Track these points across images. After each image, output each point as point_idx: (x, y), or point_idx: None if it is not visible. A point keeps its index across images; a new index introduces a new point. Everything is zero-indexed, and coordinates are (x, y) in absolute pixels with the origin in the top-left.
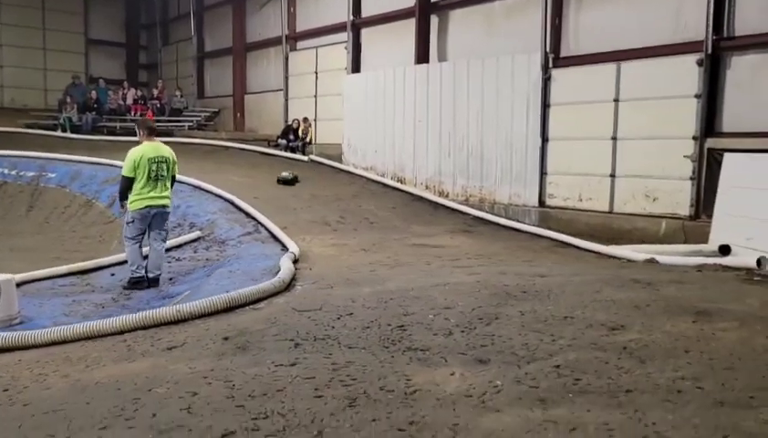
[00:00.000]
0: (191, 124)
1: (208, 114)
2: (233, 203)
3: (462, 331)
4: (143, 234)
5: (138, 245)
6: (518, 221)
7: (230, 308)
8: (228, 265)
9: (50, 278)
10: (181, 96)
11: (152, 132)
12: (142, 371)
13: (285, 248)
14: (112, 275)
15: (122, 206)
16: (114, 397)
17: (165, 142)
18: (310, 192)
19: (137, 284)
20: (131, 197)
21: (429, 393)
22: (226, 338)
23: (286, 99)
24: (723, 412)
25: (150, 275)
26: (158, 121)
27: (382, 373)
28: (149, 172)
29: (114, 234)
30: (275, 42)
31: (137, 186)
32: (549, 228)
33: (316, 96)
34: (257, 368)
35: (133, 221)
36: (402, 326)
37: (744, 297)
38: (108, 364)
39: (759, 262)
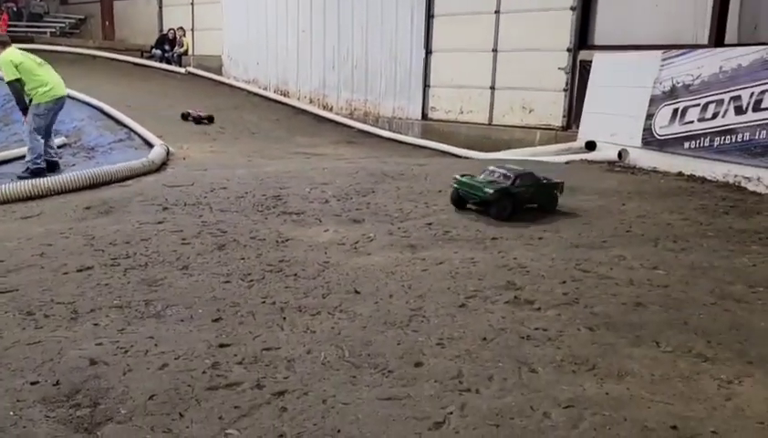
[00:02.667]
0: (53, 31)
1: (73, 21)
2: (101, 111)
3: (339, 200)
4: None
5: (42, 137)
6: (401, 134)
7: (95, 185)
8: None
9: None
10: (41, 1)
11: (7, 45)
12: None
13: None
14: None
15: (25, 113)
16: None
17: (26, 49)
18: (188, 103)
19: (38, 174)
20: (40, 91)
21: (301, 243)
22: (88, 208)
23: (160, 7)
24: (578, 251)
25: (52, 159)
26: (15, 27)
27: (254, 228)
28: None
29: None
30: None
31: (38, 80)
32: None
33: (192, 3)
34: (120, 225)
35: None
36: (278, 197)
37: (605, 180)
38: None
39: (620, 154)
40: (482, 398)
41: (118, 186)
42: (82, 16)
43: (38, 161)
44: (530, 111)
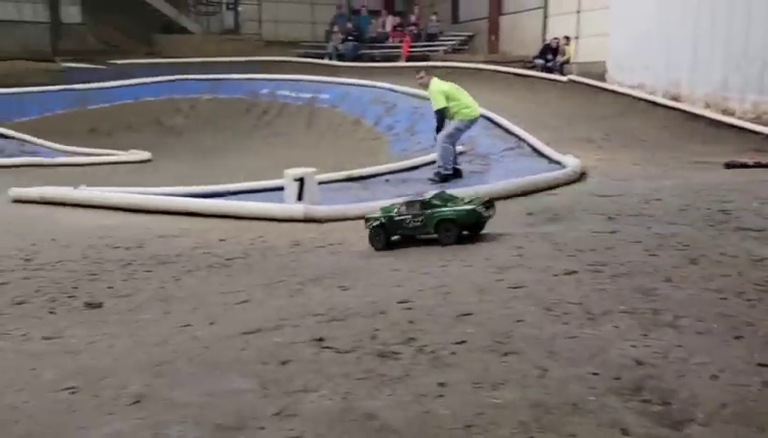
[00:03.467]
0: (446, 48)
1: (462, 38)
2: (491, 121)
3: None
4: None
5: (452, 147)
6: None
7: (524, 193)
8: (494, 173)
9: (334, 182)
10: (437, 21)
11: (431, 76)
12: None
13: (552, 162)
14: (387, 181)
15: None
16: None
17: (422, 66)
18: (570, 111)
19: (445, 180)
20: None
21: None
22: (530, 214)
23: (545, 18)
24: None
25: (457, 166)
26: (414, 47)
27: (716, 243)
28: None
29: (382, 148)
30: None
31: (460, 103)
32: None
33: (578, 12)
34: (575, 233)
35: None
36: (724, 210)
37: None
38: None
39: None
40: None
41: (545, 195)
42: (470, 33)
43: (448, 167)
44: None
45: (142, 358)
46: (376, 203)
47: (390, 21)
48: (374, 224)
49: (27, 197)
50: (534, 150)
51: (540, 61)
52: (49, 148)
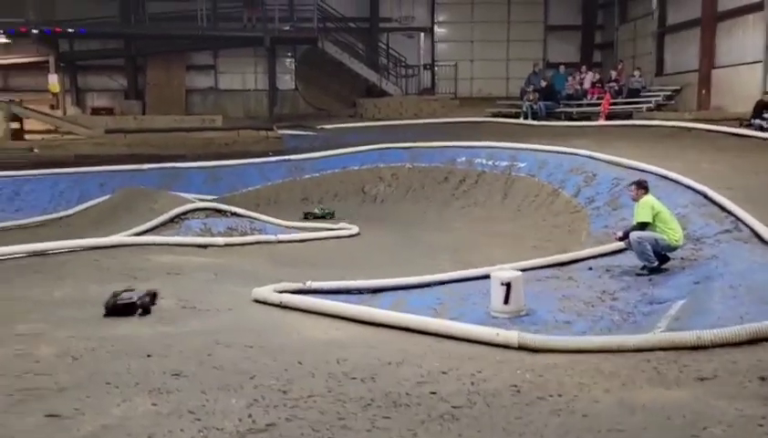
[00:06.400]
0: (649, 105)
1: (668, 93)
2: (705, 196)
3: None
4: None
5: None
6: None
7: (754, 340)
8: (716, 273)
9: (534, 269)
10: (639, 75)
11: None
12: (685, 403)
13: None
14: (590, 269)
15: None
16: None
17: (623, 125)
18: None
19: (655, 271)
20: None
21: None
22: (763, 379)
23: (766, 71)
24: None
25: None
26: (615, 104)
27: None
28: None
29: (582, 224)
30: (754, 8)
31: (671, 230)
32: None
33: None
34: None
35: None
36: None
37: None
38: (644, 386)
39: None
40: None
41: None
42: (677, 87)
43: (651, 260)
44: None
45: None
46: (601, 339)
47: (589, 78)
48: None
49: (268, 301)
50: (755, 234)
51: (758, 121)
52: (271, 223)
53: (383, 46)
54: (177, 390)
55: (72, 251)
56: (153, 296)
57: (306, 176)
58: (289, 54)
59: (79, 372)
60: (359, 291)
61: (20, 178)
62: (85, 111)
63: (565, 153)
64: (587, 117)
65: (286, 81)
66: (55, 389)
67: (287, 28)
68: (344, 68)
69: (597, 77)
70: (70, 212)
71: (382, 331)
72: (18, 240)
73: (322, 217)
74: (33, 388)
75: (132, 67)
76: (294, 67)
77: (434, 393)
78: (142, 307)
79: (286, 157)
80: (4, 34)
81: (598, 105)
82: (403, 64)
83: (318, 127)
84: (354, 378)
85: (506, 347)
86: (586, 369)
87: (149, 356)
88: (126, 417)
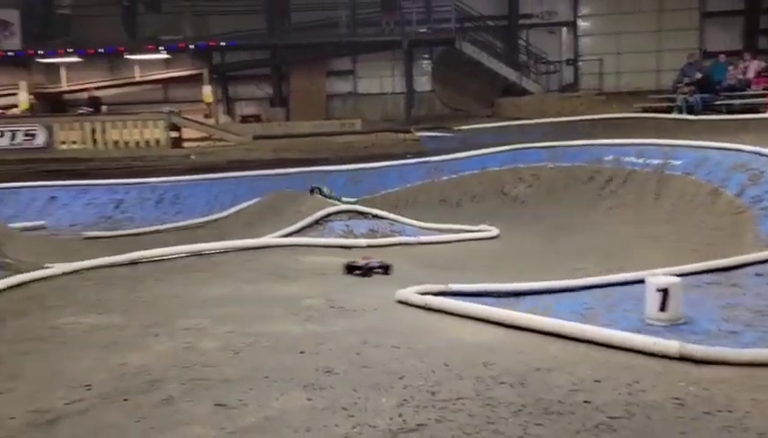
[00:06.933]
0: None
1: None
2: None
3: None
4: None
5: None
6: None
7: None
8: None
9: (692, 274)
10: None
11: None
12: None
13: None
14: (757, 275)
15: None
16: None
17: None
18: None
19: None
20: None
21: None
22: None
23: None
24: None
25: None
26: None
27: None
28: None
29: (747, 226)
30: None
31: None
32: None
33: None
34: None
35: None
36: None
37: None
38: None
39: None
40: None
41: None
42: None
43: None
44: None
45: None
46: None
47: (754, 66)
48: None
49: (411, 302)
50: None
51: None
52: (411, 225)
53: (523, 43)
54: (330, 386)
55: (227, 251)
56: (387, 267)
57: (444, 178)
58: (426, 56)
59: (241, 365)
60: (502, 294)
61: (180, 183)
62: (235, 119)
63: (726, 149)
64: (754, 109)
65: (423, 83)
66: (220, 380)
67: (425, 30)
68: (482, 68)
69: (764, 65)
70: (224, 214)
71: (529, 336)
72: (181, 241)
73: (328, 197)
74: (201, 378)
75: (277, 76)
76: (431, 68)
77: (588, 402)
78: (382, 267)
79: (425, 159)
80: (165, 50)
81: (765, 96)
82: (544, 60)
83: (455, 128)
84: (503, 382)
85: (665, 357)
86: (760, 384)
87: (301, 352)
88: (284, 410)
